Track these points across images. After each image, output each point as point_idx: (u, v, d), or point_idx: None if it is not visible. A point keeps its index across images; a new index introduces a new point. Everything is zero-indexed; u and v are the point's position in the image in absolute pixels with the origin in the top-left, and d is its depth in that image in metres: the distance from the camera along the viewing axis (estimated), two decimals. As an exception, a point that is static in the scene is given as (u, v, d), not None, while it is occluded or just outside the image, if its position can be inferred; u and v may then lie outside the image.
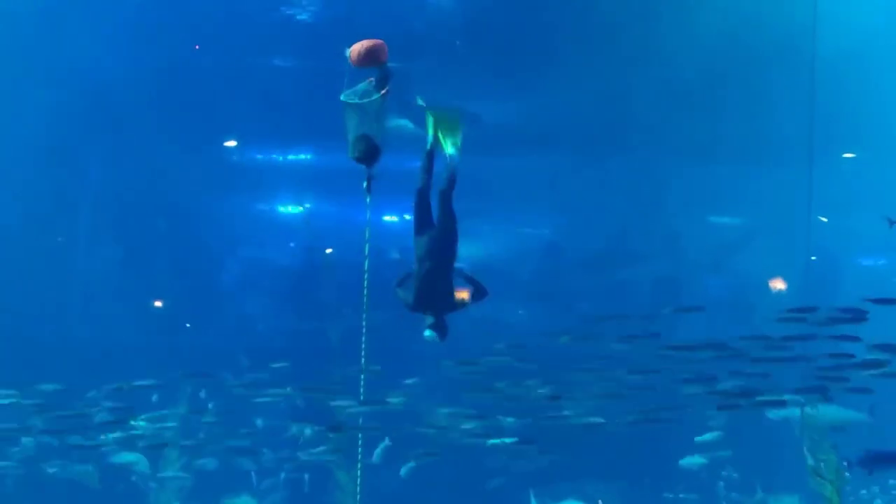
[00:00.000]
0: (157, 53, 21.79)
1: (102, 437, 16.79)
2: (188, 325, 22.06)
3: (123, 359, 19.40)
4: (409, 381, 16.64)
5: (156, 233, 22.66)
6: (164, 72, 21.79)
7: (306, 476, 19.43)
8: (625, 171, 22.98)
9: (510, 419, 16.59)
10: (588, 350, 15.79)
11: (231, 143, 23.40)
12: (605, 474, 19.81)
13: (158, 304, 22.66)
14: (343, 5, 21.31)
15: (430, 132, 10.87)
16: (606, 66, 21.91)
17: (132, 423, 16.56)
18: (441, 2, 22.34)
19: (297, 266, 23.16)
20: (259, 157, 24.03)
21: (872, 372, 14.06)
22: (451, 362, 15.60)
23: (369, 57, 10.49)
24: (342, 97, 10.45)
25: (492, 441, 16.50)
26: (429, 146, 10.78)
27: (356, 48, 10.49)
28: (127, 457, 17.81)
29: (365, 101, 10.40)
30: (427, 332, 10.41)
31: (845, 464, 14.48)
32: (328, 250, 22.40)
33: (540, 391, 15.78)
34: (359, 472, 12.05)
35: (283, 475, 19.61)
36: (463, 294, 10.64)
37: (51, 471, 18.24)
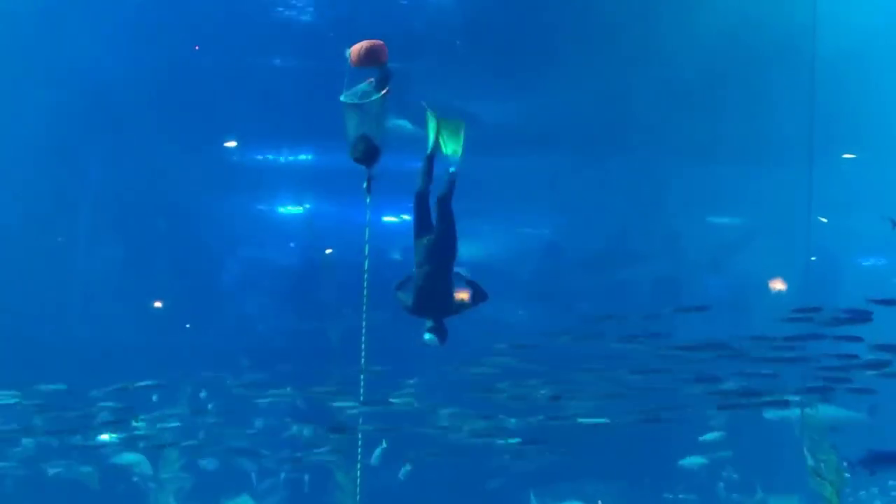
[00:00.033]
0: (157, 53, 21.79)
1: (102, 437, 16.79)
2: (188, 325, 22.05)
3: (123, 359, 19.40)
4: (410, 382, 16.63)
5: (156, 233, 22.66)
6: (164, 72, 21.79)
7: (306, 477, 19.43)
8: (625, 171, 22.97)
9: (513, 420, 16.58)
10: (589, 350, 15.79)
11: (231, 144, 23.41)
12: (605, 474, 19.81)
13: (158, 304, 22.66)
14: (343, 6, 21.31)
15: (432, 137, 10.84)
16: (606, 66, 21.90)
17: (133, 423, 16.57)
18: (441, 2, 22.34)
19: (298, 266, 23.17)
20: (259, 157, 24.03)
21: (873, 372, 14.05)
22: (454, 364, 15.61)
23: (369, 57, 10.48)
24: (342, 98, 10.44)
25: (504, 441, 16.52)
26: (429, 151, 10.76)
27: (356, 48, 10.49)
28: (128, 457, 17.82)
29: (365, 101, 10.39)
30: (427, 336, 10.41)
31: (845, 464, 14.48)
32: (328, 250, 22.40)
33: (542, 392, 15.78)
34: (358, 473, 12.09)
35: (282, 475, 19.62)
36: (463, 295, 10.64)
37: (52, 472, 18.24)
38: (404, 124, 15.60)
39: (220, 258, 23.17)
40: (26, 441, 17.59)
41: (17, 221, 21.65)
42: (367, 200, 10.60)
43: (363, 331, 10.76)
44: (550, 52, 21.93)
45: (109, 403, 16.29)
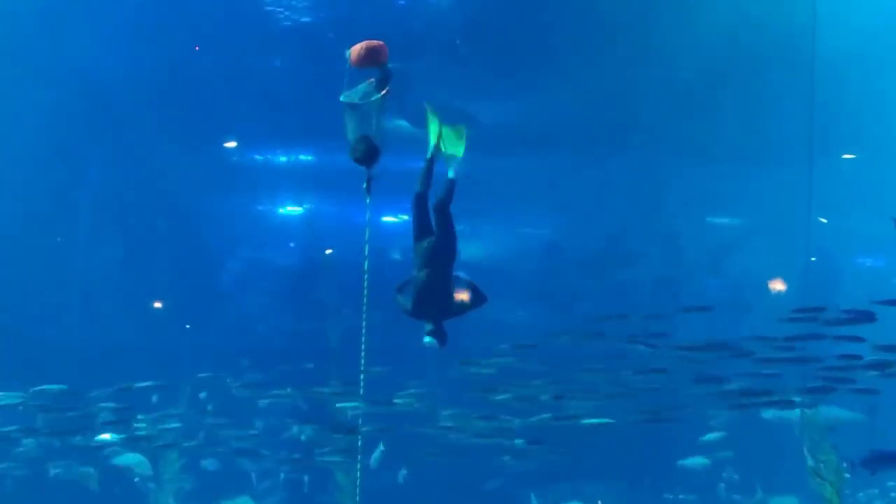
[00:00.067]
0: (157, 54, 21.79)
1: (104, 436, 16.79)
2: (188, 325, 22.05)
3: (123, 359, 19.40)
4: (413, 383, 16.63)
5: (156, 233, 22.66)
6: (164, 72, 21.79)
7: (306, 477, 19.43)
8: (625, 171, 22.96)
9: (516, 420, 16.58)
10: (591, 350, 15.79)
11: (231, 144, 23.41)
12: (605, 475, 19.80)
13: (158, 304, 22.66)
14: (343, 6, 21.30)
15: (433, 140, 10.84)
16: (606, 66, 21.89)
17: (135, 424, 16.58)
18: (441, 2, 22.33)
19: (297, 266, 23.17)
20: (259, 157, 24.03)
21: (874, 373, 14.04)
22: (455, 364, 15.62)
23: (369, 58, 10.47)
24: (342, 98, 10.43)
25: (508, 441, 16.51)
26: (430, 154, 10.76)
27: (356, 49, 10.48)
28: (128, 458, 17.81)
29: (365, 101, 10.39)
30: (427, 339, 10.43)
31: (846, 465, 14.49)
32: (328, 251, 22.40)
33: (545, 393, 15.77)
34: (358, 473, 12.07)
35: (282, 476, 19.61)
36: (463, 295, 10.65)
37: (53, 472, 18.24)
38: (404, 125, 15.61)
39: (221, 258, 23.18)
40: (27, 441, 17.57)
41: (17, 221, 21.60)
42: (367, 201, 10.59)
43: (363, 331, 10.76)
44: (550, 52, 21.92)
45: (110, 404, 16.28)
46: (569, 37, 22.01)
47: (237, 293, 22.91)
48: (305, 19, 22.11)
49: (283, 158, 24.07)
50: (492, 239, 23.20)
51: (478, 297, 10.69)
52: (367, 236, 10.69)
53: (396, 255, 18.30)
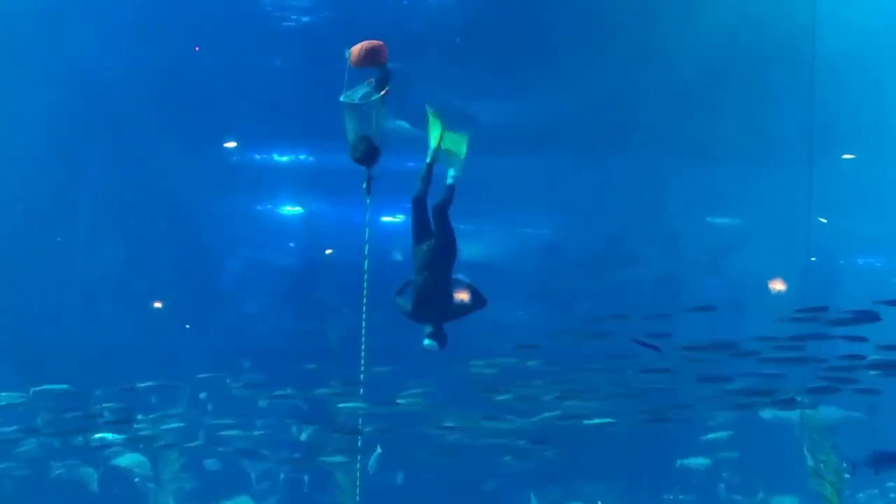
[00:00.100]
0: (157, 54, 21.78)
1: (106, 436, 16.79)
2: (188, 326, 22.04)
3: (123, 359, 19.40)
4: (414, 382, 16.62)
5: (156, 233, 22.65)
6: (164, 72, 21.78)
7: (306, 477, 19.43)
8: (625, 171, 22.96)
9: (519, 420, 16.57)
10: (592, 350, 15.77)
11: (231, 144, 23.40)
12: (605, 475, 19.79)
13: (158, 304, 22.65)
14: (343, 7, 21.30)
15: (433, 144, 10.83)
16: (606, 66, 21.88)
17: (136, 424, 16.58)
18: (441, 2, 22.32)
19: (297, 266, 23.16)
20: (259, 157, 24.02)
21: (876, 373, 14.03)
22: (457, 364, 15.62)
23: (369, 58, 10.51)
24: (342, 98, 10.45)
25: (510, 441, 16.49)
26: (430, 158, 10.75)
27: (356, 49, 10.51)
28: (129, 458, 17.80)
29: (365, 102, 10.40)
30: (426, 341, 10.46)
31: (846, 465, 14.48)
32: (328, 251, 22.39)
33: (548, 394, 15.76)
34: (358, 473, 12.10)
35: (282, 476, 19.61)
36: (463, 295, 10.66)
37: (55, 472, 18.23)
38: (404, 125, 15.62)
39: (221, 258, 23.17)
40: (28, 442, 17.57)
41: (17, 221, 21.59)
42: (367, 201, 10.61)
43: (363, 331, 10.78)
44: (550, 52, 21.91)
45: (111, 404, 16.27)
46: (569, 37, 22.00)
47: (237, 293, 22.90)
48: (305, 19, 22.12)
49: (283, 158, 24.07)
50: (492, 239, 23.21)
51: (477, 300, 10.72)
52: (366, 236, 10.71)
53: (397, 256, 18.26)
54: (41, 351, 20.38)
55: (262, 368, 19.35)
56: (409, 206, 10.74)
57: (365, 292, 10.67)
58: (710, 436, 19.20)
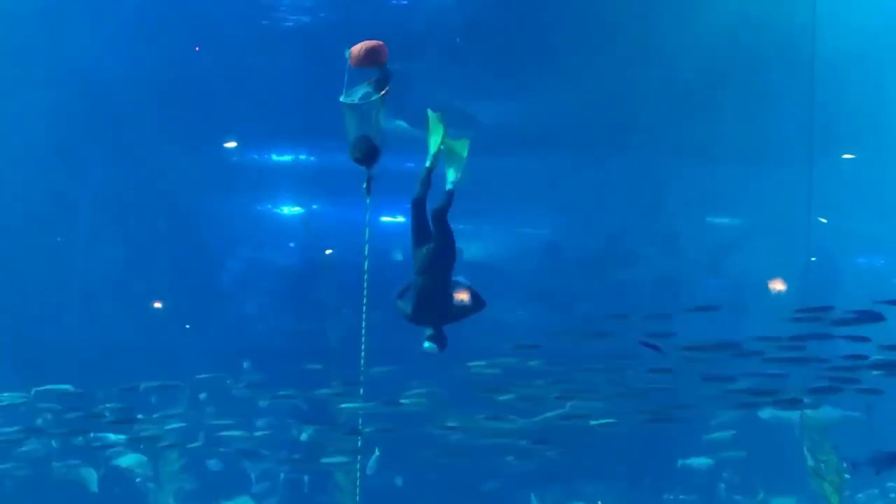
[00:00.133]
0: (156, 54, 21.79)
1: (104, 436, 16.80)
2: (188, 326, 22.03)
3: (124, 360, 19.40)
4: (415, 382, 16.63)
5: (156, 233, 22.64)
6: (164, 72, 21.78)
7: (306, 477, 19.42)
8: (625, 171, 22.95)
9: (521, 420, 16.57)
10: (594, 350, 15.77)
11: (231, 144, 23.39)
12: (605, 475, 19.78)
13: (158, 304, 22.64)
14: (343, 6, 21.30)
15: (433, 149, 10.81)
16: (606, 66, 21.89)
17: (139, 424, 16.59)
18: (441, 2, 22.33)
19: (298, 266, 23.15)
20: (259, 157, 24.01)
21: (878, 373, 14.02)
22: (459, 364, 15.62)
23: (369, 58, 10.49)
24: (342, 98, 10.44)
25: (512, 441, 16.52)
26: (429, 163, 10.74)
27: (356, 49, 10.50)
28: (130, 458, 17.80)
29: (365, 102, 10.39)
30: (426, 344, 10.47)
31: (846, 465, 14.48)
32: (328, 251, 22.39)
33: (548, 393, 15.76)
34: (358, 473, 12.09)
35: (282, 476, 19.60)
36: (463, 295, 10.66)
37: (58, 472, 18.23)
38: (404, 125, 15.61)
39: (221, 258, 23.16)
40: (29, 442, 17.57)
41: (17, 221, 21.58)
42: (367, 201, 10.60)
43: (363, 331, 10.78)
44: (550, 52, 21.92)
45: (112, 404, 16.27)
46: (569, 37, 22.00)
47: (237, 293, 22.90)
48: (305, 19, 22.13)
49: (283, 158, 24.07)
50: (492, 239, 23.21)
51: (477, 303, 10.71)
52: (366, 236, 10.71)
53: (397, 256, 18.27)
54: (42, 351, 20.37)
55: (262, 369, 19.37)
56: (409, 207, 10.71)
57: (365, 292, 10.67)
58: (712, 435, 19.19)
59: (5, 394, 16.30)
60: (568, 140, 22.38)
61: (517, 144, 22.12)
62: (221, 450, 17.80)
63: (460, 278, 10.76)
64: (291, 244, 23.63)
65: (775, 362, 14.47)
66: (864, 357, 13.89)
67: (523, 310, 22.13)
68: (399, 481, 18.91)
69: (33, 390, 16.43)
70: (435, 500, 19.00)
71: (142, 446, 17.35)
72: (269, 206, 24.22)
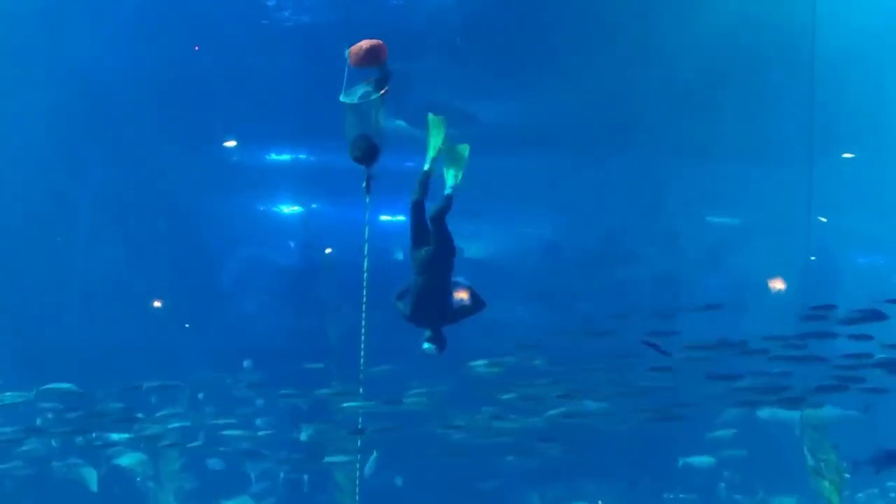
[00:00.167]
0: (156, 53, 21.79)
1: (106, 436, 16.81)
2: (188, 325, 22.02)
3: (124, 359, 19.41)
4: (417, 381, 16.64)
5: (156, 233, 22.64)
6: (163, 71, 21.78)
7: (305, 477, 19.42)
8: (625, 171, 22.96)
9: (523, 420, 16.57)
10: (595, 349, 15.78)
11: (231, 144, 23.38)
12: (606, 474, 19.76)
13: (158, 304, 22.63)
14: (343, 6, 21.30)
15: (431, 153, 10.81)
16: (606, 66, 21.89)
17: (141, 424, 16.60)
18: (441, 1, 22.34)
19: (298, 265, 23.15)
20: (259, 156, 23.98)
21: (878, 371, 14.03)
22: (460, 364, 15.63)
23: (369, 57, 10.48)
24: (342, 97, 10.44)
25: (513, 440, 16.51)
26: (427, 167, 10.73)
27: (356, 48, 10.49)
28: (130, 458, 17.80)
29: (364, 101, 10.39)
30: (426, 345, 10.47)
31: (845, 464, 14.48)
32: (328, 250, 22.38)
33: (551, 392, 15.77)
34: (357, 472, 12.08)
35: (282, 475, 19.60)
36: (463, 294, 10.66)
37: (59, 471, 18.24)
38: (403, 124, 15.60)
39: (221, 258, 23.16)
40: (30, 441, 17.59)
41: (17, 221, 21.58)
42: (367, 200, 10.60)
43: (363, 330, 10.79)
44: (550, 51, 21.92)
45: (114, 403, 16.29)
46: (569, 37, 22.01)
47: (238, 293, 22.89)
48: (305, 19, 22.13)
49: (282, 157, 24.05)
50: (492, 238, 23.21)
51: (476, 303, 10.72)
52: (366, 235, 10.71)
53: (398, 255, 18.27)
54: (42, 351, 20.38)
55: (262, 368, 19.38)
56: (407, 212, 10.71)
57: (364, 291, 10.68)
58: (714, 434, 19.18)
59: (7, 393, 16.31)
60: (568, 140, 22.39)
61: (517, 144, 22.13)
62: (221, 449, 17.80)
63: (460, 279, 10.76)
64: (291, 243, 23.62)
65: (779, 360, 14.47)
66: (869, 355, 13.89)
67: (523, 309, 22.14)
68: (399, 481, 18.89)
69: (35, 390, 16.44)
70: (435, 500, 18.99)
71: (142, 445, 17.34)
72: (269, 206, 24.20)
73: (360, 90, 10.48)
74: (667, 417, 15.49)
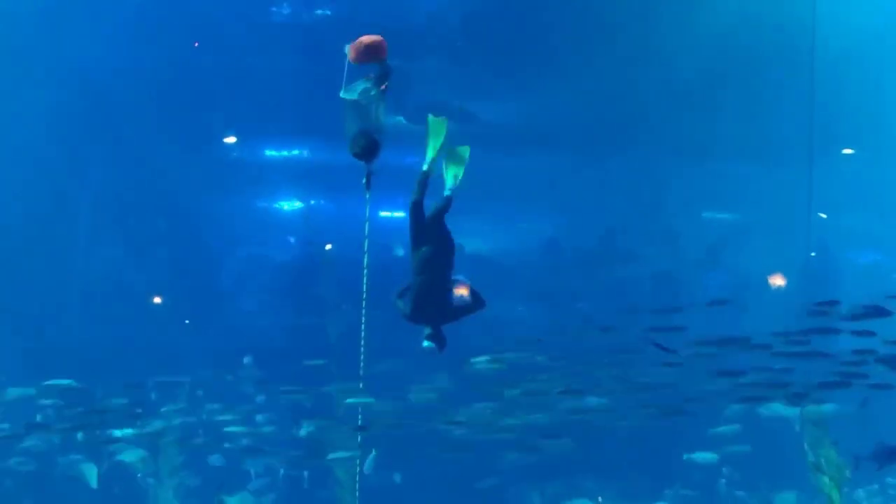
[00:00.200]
0: (156, 53, 21.80)
1: (109, 432, 16.83)
2: (187, 321, 22.00)
3: (125, 357, 19.42)
4: (419, 378, 16.63)
5: (156, 230, 22.63)
6: (163, 68, 21.79)
7: (305, 473, 19.41)
8: (625, 170, 22.96)
9: (524, 417, 16.57)
10: (596, 345, 15.78)
11: (231, 140, 23.36)
12: (607, 470, 19.74)
13: (158, 300, 22.61)
14: (343, 3, 21.33)
15: (430, 154, 10.80)
16: (606, 65, 21.91)
17: (143, 420, 16.61)
18: (441, 0, 22.40)
19: (298, 262, 23.12)
20: (259, 153, 23.96)
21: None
22: (461, 360, 15.64)
23: (369, 53, 10.46)
24: (342, 94, 10.43)
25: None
26: (426, 167, 10.72)
27: (356, 44, 10.47)
28: (132, 454, 17.79)
29: (364, 97, 10.38)
30: (425, 343, 10.46)
31: (848, 459, 14.48)
32: (328, 246, 22.36)
33: (554, 388, 15.77)
34: (358, 469, 12.08)
35: (282, 471, 19.60)
36: (463, 290, 10.65)
37: (62, 468, 18.24)
38: (403, 121, 15.62)
39: (221, 255, 23.15)
40: (32, 437, 17.61)
41: (17, 221, 21.58)
42: (367, 196, 10.60)
43: (363, 326, 10.79)
44: (551, 51, 21.95)
45: (117, 399, 16.30)
46: (569, 36, 22.03)
47: (238, 290, 22.88)
48: (305, 15, 22.14)
49: (283, 154, 24.04)
50: (491, 237, 23.21)
51: (476, 302, 10.71)
52: (366, 231, 10.71)
53: (398, 251, 18.29)
54: (43, 350, 20.39)
55: (262, 365, 19.38)
56: (407, 212, 10.70)
57: (364, 287, 10.67)
58: (716, 430, 19.16)
59: (10, 389, 16.33)
60: (568, 139, 22.40)
61: (517, 143, 22.15)
62: (223, 445, 17.80)
63: (460, 277, 10.76)
64: (291, 239, 23.61)
65: (782, 357, 14.46)
66: (872, 352, 13.89)
67: (523, 307, 22.14)
68: (398, 478, 18.88)
69: (37, 386, 16.46)
70: (435, 497, 18.98)
71: (145, 441, 17.33)
72: (269, 203, 24.18)
73: (360, 86, 10.46)
74: (670, 413, 15.47)
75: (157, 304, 22.55)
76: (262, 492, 19.06)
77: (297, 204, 23.97)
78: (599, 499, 19.00)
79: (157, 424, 16.74)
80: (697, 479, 19.67)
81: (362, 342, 10.92)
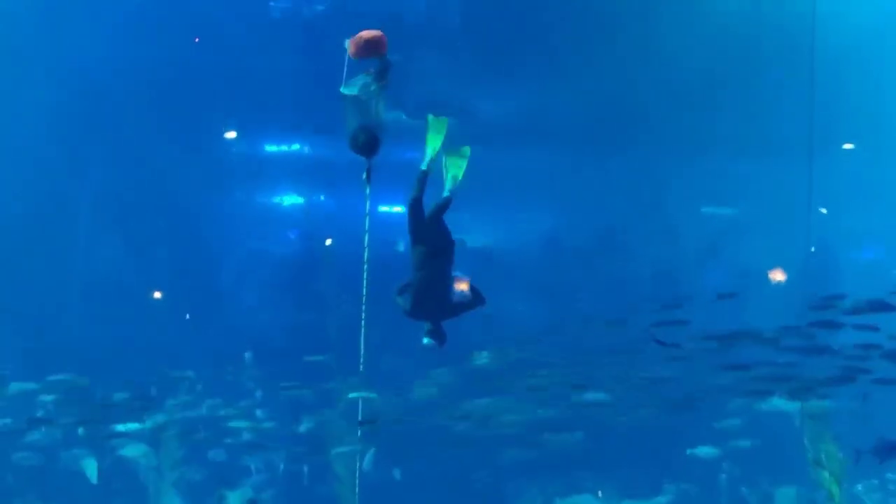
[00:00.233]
0: (155, 49, 21.79)
1: (113, 427, 16.85)
2: (188, 316, 21.98)
3: (125, 354, 19.41)
4: (420, 374, 16.63)
5: (156, 228, 22.61)
6: (163, 63, 21.78)
7: (305, 468, 19.41)
8: (626, 167, 22.95)
9: (525, 412, 16.58)
10: (598, 341, 15.78)
11: (231, 135, 23.34)
12: (607, 466, 19.73)
13: (158, 294, 22.58)
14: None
15: (430, 153, 10.80)
16: (606, 64, 21.92)
17: (146, 414, 16.62)
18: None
19: (298, 257, 23.10)
20: (259, 148, 23.93)
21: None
22: (462, 356, 15.65)
23: (369, 48, 10.49)
24: (342, 89, 10.44)
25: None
26: (425, 166, 10.73)
27: (356, 39, 10.49)
28: (135, 448, 17.79)
29: (364, 92, 10.39)
30: (425, 339, 10.49)
31: (852, 453, 14.48)
32: (328, 241, 22.35)
33: (555, 383, 15.78)
34: (358, 466, 12.05)
35: (282, 466, 19.60)
36: (463, 285, 10.66)
37: (65, 463, 18.25)
38: (404, 116, 15.60)
39: (221, 251, 23.13)
40: (35, 432, 17.62)
41: (17, 222, 21.58)
42: (367, 191, 10.61)
43: (362, 321, 10.79)
44: (550, 49, 21.96)
45: (118, 394, 16.32)
46: (569, 35, 22.04)
47: (239, 285, 22.85)
48: (305, 10, 22.14)
49: (283, 149, 24.02)
50: (491, 236, 23.20)
51: (476, 298, 10.73)
52: (366, 226, 10.71)
53: (398, 246, 18.27)
54: (43, 349, 20.38)
55: (263, 360, 19.38)
56: (406, 205, 10.71)
57: (364, 282, 10.68)
58: (720, 424, 19.16)
59: (14, 383, 16.36)
60: (569, 137, 22.40)
61: (517, 140, 22.15)
62: (228, 441, 17.82)
63: (459, 273, 10.77)
64: (292, 235, 23.59)
65: (786, 351, 14.46)
66: (877, 346, 13.90)
67: (523, 303, 22.11)
68: (397, 474, 18.87)
69: (44, 380, 16.47)
70: (435, 492, 18.97)
71: (150, 436, 17.34)
72: (270, 198, 24.15)
73: (361, 81, 10.47)
74: (673, 408, 15.48)
75: (158, 300, 22.54)
76: (262, 486, 19.07)
77: (299, 198, 23.97)
78: (599, 493, 18.99)
79: (159, 418, 16.74)
80: (698, 474, 19.66)
81: (362, 337, 10.92)
